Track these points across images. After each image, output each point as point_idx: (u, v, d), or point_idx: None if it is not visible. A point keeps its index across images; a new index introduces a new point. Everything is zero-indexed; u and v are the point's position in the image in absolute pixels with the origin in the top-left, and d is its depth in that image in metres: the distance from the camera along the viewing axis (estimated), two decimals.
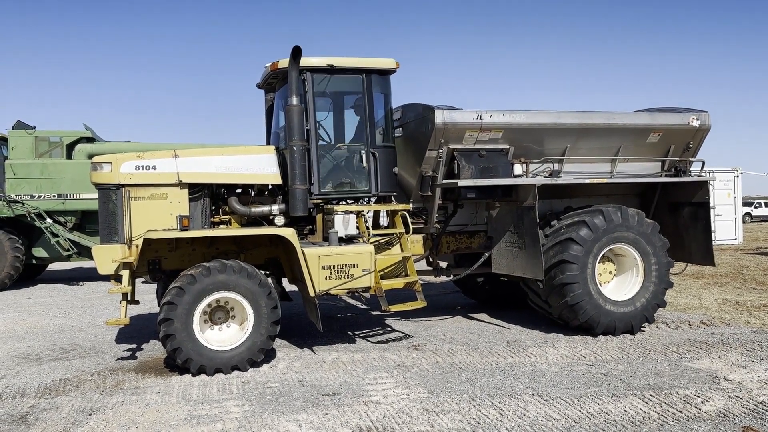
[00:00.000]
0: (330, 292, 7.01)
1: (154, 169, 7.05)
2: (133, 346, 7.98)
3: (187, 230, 6.69)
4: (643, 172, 8.81)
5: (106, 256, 6.86)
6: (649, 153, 8.71)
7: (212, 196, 7.55)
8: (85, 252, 14.56)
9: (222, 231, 7.19)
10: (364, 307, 10.42)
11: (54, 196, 14.16)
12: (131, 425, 5.03)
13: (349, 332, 8.43)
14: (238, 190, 7.71)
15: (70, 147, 14.68)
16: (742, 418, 4.85)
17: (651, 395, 5.48)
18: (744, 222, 30.80)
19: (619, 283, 8.22)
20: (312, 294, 6.86)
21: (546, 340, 7.69)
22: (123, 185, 6.95)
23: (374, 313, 9.85)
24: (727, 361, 6.51)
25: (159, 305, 8.37)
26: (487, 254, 8.51)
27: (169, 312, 6.33)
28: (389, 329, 8.59)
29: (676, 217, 8.96)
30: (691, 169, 8.93)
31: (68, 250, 14.11)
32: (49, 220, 14.02)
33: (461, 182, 7.70)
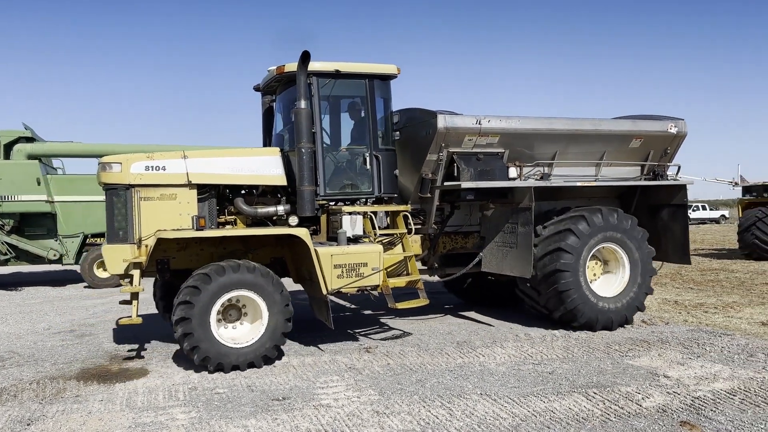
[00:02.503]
0: (341, 290, 7.24)
1: (164, 169, 7.13)
2: (75, 353, 7.72)
3: (203, 230, 6.86)
4: (624, 176, 9.27)
5: (117, 256, 6.94)
6: (630, 158, 9.18)
7: (218, 197, 7.64)
8: (24, 256, 14.01)
9: (237, 231, 7.27)
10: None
11: None
12: None
13: (301, 336, 8.37)
14: (243, 191, 7.81)
15: (8, 147, 14.14)
16: (680, 413, 5.05)
17: (594, 393, 5.64)
18: None
19: (604, 283, 8.60)
20: (324, 292, 7.05)
21: (494, 340, 7.82)
22: (133, 185, 7.02)
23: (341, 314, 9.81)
24: (666, 359, 6.76)
25: (156, 306, 8.54)
26: (481, 254, 8.74)
27: (187, 310, 6.42)
28: (340, 333, 8.56)
29: (654, 219, 9.40)
30: (668, 173, 9.39)
31: (5, 254, 13.55)
32: None
33: (464, 184, 7.95)
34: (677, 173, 9.37)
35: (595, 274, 8.59)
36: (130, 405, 5.58)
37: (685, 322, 8.77)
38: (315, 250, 6.98)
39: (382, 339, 8.11)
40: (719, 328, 8.23)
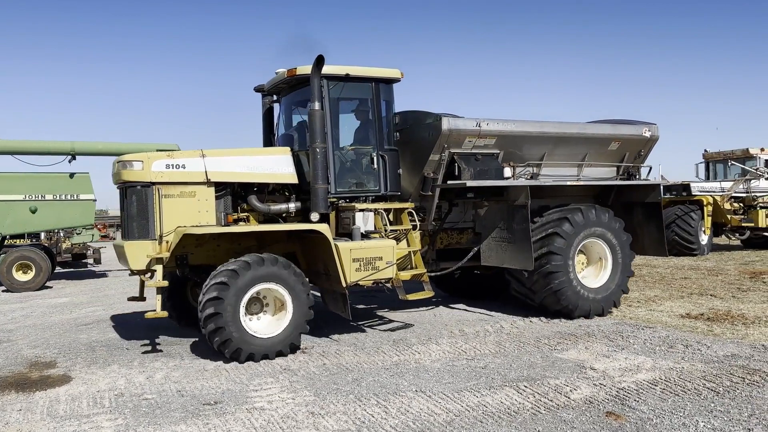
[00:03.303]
0: (359, 282, 7.62)
1: (184, 167, 7.37)
2: None
3: (230, 226, 7.33)
4: (602, 176, 9.96)
5: (139, 252, 7.14)
6: (608, 159, 9.90)
7: (232, 195, 7.90)
8: None
9: (264, 227, 7.56)
10: None
11: None
12: None
13: None
14: (255, 189, 8.01)
15: None
16: (606, 404, 5.23)
17: (525, 386, 5.78)
18: None
19: (587, 276, 9.23)
20: (344, 285, 7.43)
21: (430, 337, 7.90)
22: (154, 183, 7.22)
23: None
24: (592, 352, 7.00)
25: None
26: (476, 248, 9.15)
27: (218, 305, 6.62)
28: None
29: (629, 216, 9.97)
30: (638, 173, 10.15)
31: None
32: None
33: (470, 183, 8.36)
34: (648, 173, 10.21)
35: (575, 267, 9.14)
36: (51, 414, 5.31)
37: (610, 316, 9.11)
38: (335, 245, 7.34)
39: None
40: (642, 321, 8.60)
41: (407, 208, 8.52)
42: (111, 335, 8.63)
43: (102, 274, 17.86)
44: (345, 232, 8.00)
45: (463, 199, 9.10)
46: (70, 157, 14.71)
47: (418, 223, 8.57)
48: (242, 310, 6.79)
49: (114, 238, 28.59)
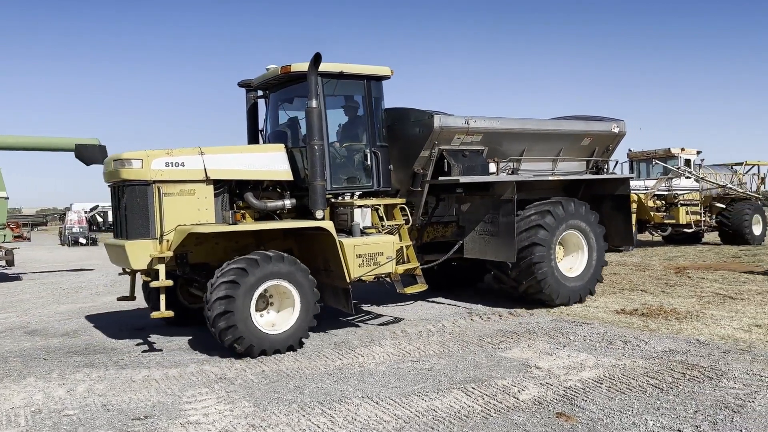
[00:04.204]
0: (362, 278, 7.74)
1: (183, 165, 7.29)
2: None
3: (237, 224, 7.28)
4: (572, 170, 10.33)
5: (141, 252, 7.02)
6: (579, 154, 10.32)
7: (229, 192, 7.84)
8: None
9: (273, 224, 7.59)
10: None
11: None
12: None
13: (160, 345, 7.72)
14: (251, 186, 7.96)
15: None
16: (555, 405, 5.16)
17: (473, 388, 5.66)
18: None
19: (565, 266, 9.68)
20: (348, 280, 7.53)
21: (372, 339, 7.69)
22: (154, 181, 7.10)
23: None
24: (535, 350, 6.98)
25: (146, 302, 8.72)
26: (461, 241, 9.44)
27: (228, 303, 6.61)
28: (201, 338, 8.00)
29: (598, 208, 10.33)
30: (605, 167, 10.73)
31: None
32: None
33: (462, 179, 8.60)
34: (614, 167, 10.81)
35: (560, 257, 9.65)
36: None
37: (548, 312, 9.17)
38: (340, 241, 7.42)
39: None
40: (579, 318, 8.69)
41: (399, 204, 8.64)
42: (26, 344, 7.95)
43: (15, 277, 16.66)
44: (339, 228, 7.98)
45: (451, 194, 9.40)
46: None
47: (410, 218, 8.70)
48: (252, 307, 6.79)
49: (29, 239, 26.87)
